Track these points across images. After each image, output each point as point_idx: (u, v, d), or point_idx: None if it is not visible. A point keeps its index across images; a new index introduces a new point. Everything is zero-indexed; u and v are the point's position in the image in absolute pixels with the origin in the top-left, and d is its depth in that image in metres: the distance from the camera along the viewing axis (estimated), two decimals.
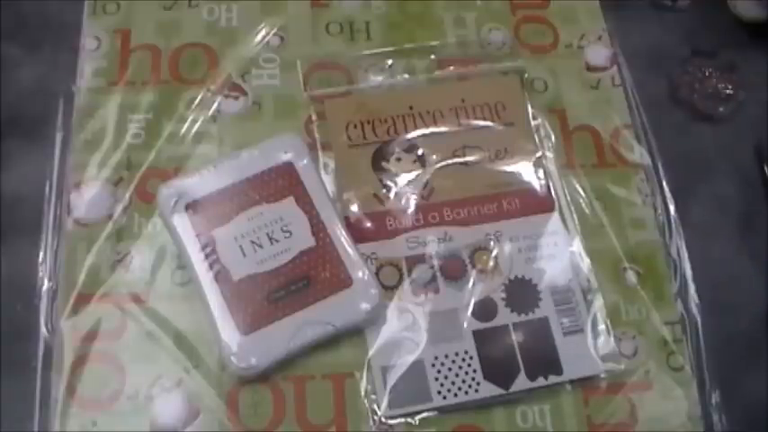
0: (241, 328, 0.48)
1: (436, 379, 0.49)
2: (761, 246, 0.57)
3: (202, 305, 0.49)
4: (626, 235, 0.55)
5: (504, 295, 0.52)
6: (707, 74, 0.62)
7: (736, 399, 0.51)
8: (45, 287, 0.51)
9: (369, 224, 0.53)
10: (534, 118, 0.58)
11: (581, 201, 0.56)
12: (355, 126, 0.57)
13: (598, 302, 0.52)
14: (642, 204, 0.56)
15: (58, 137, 0.55)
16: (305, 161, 0.53)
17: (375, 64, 0.59)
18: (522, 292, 0.52)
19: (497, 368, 0.50)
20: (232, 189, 0.52)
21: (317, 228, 0.51)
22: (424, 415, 0.49)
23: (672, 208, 0.56)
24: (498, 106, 0.58)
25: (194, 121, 0.56)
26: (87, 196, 0.53)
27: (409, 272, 0.52)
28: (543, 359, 0.50)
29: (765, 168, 0.59)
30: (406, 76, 0.59)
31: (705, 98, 0.61)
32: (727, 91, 0.61)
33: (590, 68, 0.61)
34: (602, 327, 0.52)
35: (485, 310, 0.51)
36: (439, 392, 0.49)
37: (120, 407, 0.48)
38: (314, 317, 0.49)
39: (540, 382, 0.50)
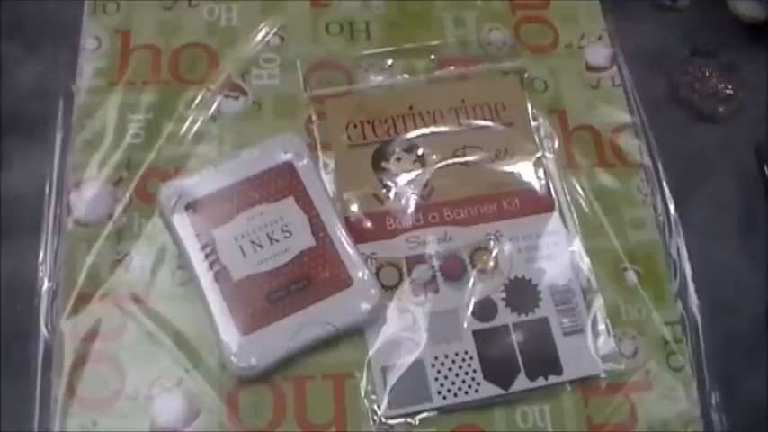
0: (241, 328, 0.48)
1: (436, 379, 0.49)
2: (761, 246, 0.57)
3: (202, 305, 0.49)
4: (626, 235, 0.55)
5: (504, 295, 0.52)
6: (707, 74, 0.62)
7: (736, 399, 0.51)
8: (45, 287, 0.51)
9: (369, 224, 0.53)
10: (534, 118, 0.58)
11: (581, 201, 0.56)
12: (355, 126, 0.57)
13: (598, 302, 0.52)
14: (642, 204, 0.56)
15: (58, 137, 0.55)
16: (305, 161, 0.53)
17: (375, 64, 0.59)
18: (522, 292, 0.52)
19: (497, 368, 0.50)
20: (232, 189, 0.52)
21: (317, 228, 0.51)
22: (424, 415, 0.49)
23: (672, 208, 0.56)
24: (498, 106, 0.58)
25: (194, 121, 0.56)
26: (87, 196, 0.53)
27: (409, 272, 0.52)
28: (543, 359, 0.50)
29: (765, 168, 0.59)
30: (406, 76, 0.59)
31: (705, 98, 0.61)
32: (727, 91, 0.61)
33: (590, 68, 0.61)
34: (602, 327, 0.52)
35: (485, 310, 0.51)
36: (439, 392, 0.49)
37: (120, 407, 0.48)
38: (314, 317, 0.49)
39: (540, 382, 0.50)
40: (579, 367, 0.50)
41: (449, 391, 0.49)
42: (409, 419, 0.48)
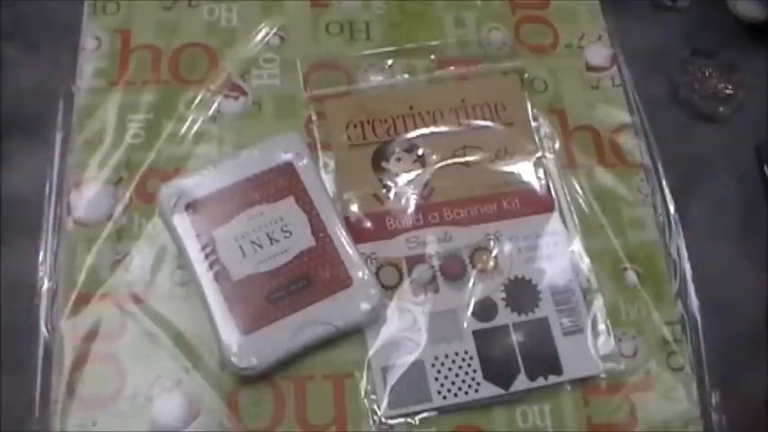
0: (241, 328, 0.48)
1: (436, 379, 0.49)
2: (761, 245, 0.57)
3: (202, 305, 0.49)
4: (626, 235, 0.55)
5: (504, 295, 0.52)
6: (707, 74, 0.62)
7: (736, 399, 0.51)
8: (45, 287, 0.51)
9: (369, 224, 0.53)
10: (534, 118, 0.58)
11: (581, 201, 0.56)
12: (355, 126, 0.57)
13: (598, 302, 0.52)
14: (642, 204, 0.56)
15: (58, 137, 0.55)
16: (305, 161, 0.53)
17: (375, 64, 0.59)
18: (522, 292, 0.52)
19: (497, 368, 0.50)
20: (232, 189, 0.52)
21: (317, 228, 0.51)
22: (424, 415, 0.49)
23: (672, 208, 0.56)
24: (498, 106, 0.58)
25: (194, 121, 0.56)
26: (87, 196, 0.53)
27: (409, 272, 0.52)
28: (543, 359, 0.50)
29: (765, 168, 0.59)
30: (406, 76, 0.59)
31: (705, 98, 0.61)
32: (727, 91, 0.61)
33: (590, 68, 0.61)
34: (602, 327, 0.52)
35: (485, 310, 0.51)
36: (439, 392, 0.49)
37: (120, 407, 0.48)
38: (314, 317, 0.49)
39: (540, 382, 0.50)
40: (579, 367, 0.50)
41: (449, 391, 0.49)
42: (409, 419, 0.48)
